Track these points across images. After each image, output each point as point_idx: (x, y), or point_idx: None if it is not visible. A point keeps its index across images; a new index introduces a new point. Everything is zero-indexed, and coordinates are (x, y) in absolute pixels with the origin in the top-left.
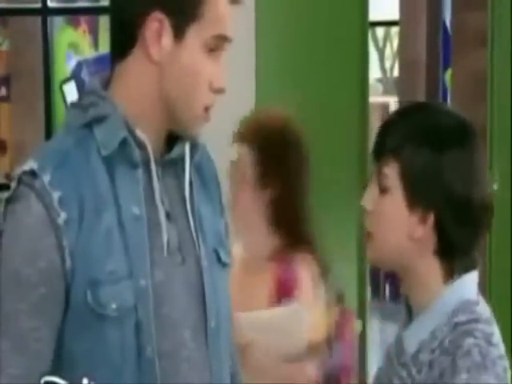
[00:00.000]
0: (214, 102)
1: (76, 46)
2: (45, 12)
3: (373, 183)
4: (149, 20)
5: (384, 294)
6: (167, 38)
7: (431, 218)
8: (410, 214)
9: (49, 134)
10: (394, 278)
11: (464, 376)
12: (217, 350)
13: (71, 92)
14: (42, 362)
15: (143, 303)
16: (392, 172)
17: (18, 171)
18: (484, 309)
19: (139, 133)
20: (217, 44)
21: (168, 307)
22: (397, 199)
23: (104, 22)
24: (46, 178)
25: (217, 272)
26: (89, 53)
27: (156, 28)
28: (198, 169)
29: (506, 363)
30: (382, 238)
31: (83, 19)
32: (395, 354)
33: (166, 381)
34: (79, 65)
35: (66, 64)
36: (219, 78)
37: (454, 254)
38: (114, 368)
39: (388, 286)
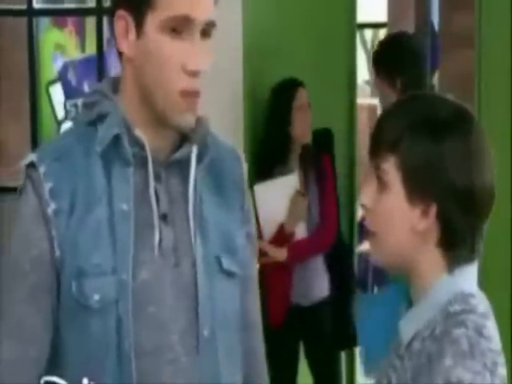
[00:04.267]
0: (192, 86)
1: (63, 47)
2: (30, 13)
3: (371, 180)
4: (116, 18)
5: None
6: (132, 33)
7: (433, 210)
8: (412, 208)
9: (34, 135)
10: (382, 281)
11: (448, 361)
12: (211, 359)
13: (58, 93)
14: (36, 348)
15: (124, 298)
16: (391, 167)
17: (22, 164)
18: (481, 302)
19: (137, 131)
20: (179, 25)
21: (154, 307)
22: (397, 195)
23: (90, 23)
24: (42, 169)
25: (217, 280)
26: (75, 54)
27: (123, 25)
28: (213, 172)
29: (498, 359)
30: (386, 235)
31: (70, 20)
32: (394, 347)
33: (146, 380)
34: (65, 66)
35: (52, 65)
36: (193, 60)
37: (456, 243)
38: (98, 360)
39: (376, 287)
